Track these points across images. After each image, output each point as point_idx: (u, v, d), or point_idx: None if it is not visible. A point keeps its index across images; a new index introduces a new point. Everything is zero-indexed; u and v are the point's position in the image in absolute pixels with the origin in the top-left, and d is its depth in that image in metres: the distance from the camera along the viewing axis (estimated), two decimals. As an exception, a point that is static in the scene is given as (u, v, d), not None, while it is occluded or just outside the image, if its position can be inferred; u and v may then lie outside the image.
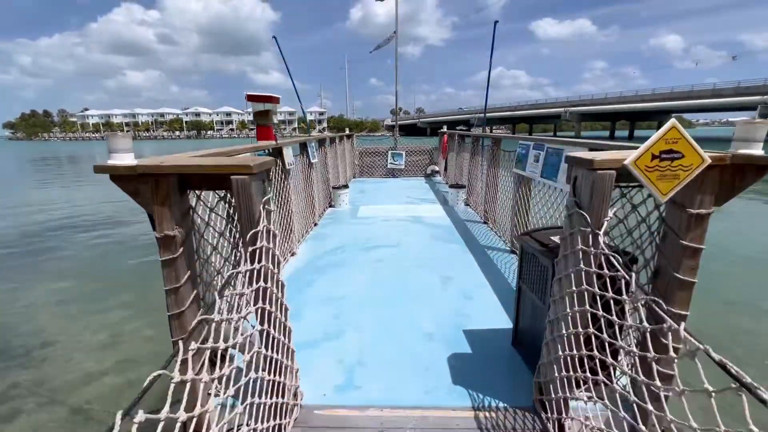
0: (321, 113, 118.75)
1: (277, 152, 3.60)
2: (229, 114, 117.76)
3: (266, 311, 1.41)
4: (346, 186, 6.19)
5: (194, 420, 0.81)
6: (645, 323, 1.08)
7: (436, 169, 9.43)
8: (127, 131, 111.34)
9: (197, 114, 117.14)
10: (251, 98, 3.15)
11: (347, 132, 9.28)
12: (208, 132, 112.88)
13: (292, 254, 3.92)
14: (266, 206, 1.41)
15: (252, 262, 1.32)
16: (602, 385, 1.31)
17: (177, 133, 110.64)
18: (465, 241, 4.33)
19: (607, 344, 1.26)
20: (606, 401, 1.27)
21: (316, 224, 5.10)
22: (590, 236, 1.35)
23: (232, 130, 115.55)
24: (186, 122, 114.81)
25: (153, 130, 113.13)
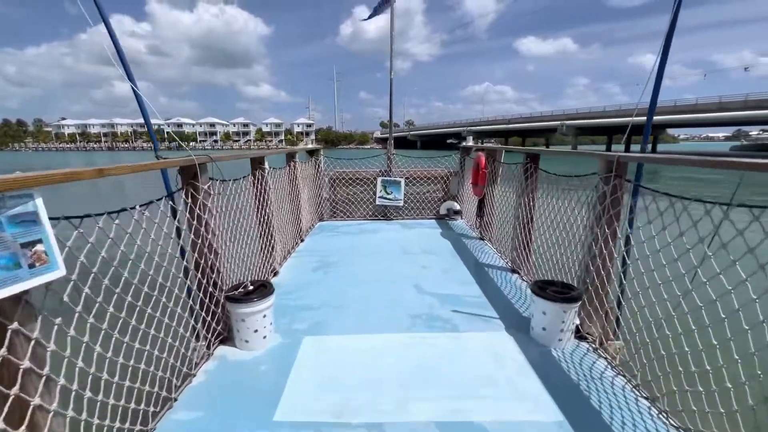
0: (309, 125, 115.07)
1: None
2: (212, 125, 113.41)
3: None
4: (264, 287, 2.35)
5: None
6: None
7: (457, 208, 5.72)
8: (105, 141, 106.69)
9: (179, 125, 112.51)
10: None
11: (310, 145, 5.54)
12: (191, 143, 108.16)
13: None
14: None
15: None
16: None
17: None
18: None
19: None
20: None
21: None
22: None
23: (215, 141, 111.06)
24: (167, 133, 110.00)
25: (132, 141, 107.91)
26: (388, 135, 6.22)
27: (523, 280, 3.28)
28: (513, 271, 3.48)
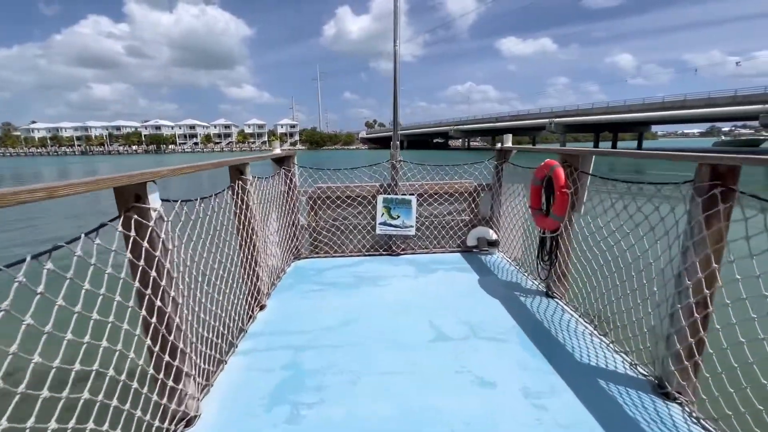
0: (293, 126, 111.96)
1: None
2: (193, 127, 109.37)
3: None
4: None
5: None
6: None
7: (492, 236, 4.02)
8: (78, 145, 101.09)
9: (158, 127, 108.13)
10: None
11: (278, 150, 3.74)
12: (169, 146, 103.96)
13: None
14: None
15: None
16: None
17: (134, 147, 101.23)
18: None
19: None
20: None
21: None
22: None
23: (195, 144, 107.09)
24: (145, 136, 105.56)
25: (107, 145, 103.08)
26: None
27: (702, 426, 1.59)
28: (662, 392, 1.79)
